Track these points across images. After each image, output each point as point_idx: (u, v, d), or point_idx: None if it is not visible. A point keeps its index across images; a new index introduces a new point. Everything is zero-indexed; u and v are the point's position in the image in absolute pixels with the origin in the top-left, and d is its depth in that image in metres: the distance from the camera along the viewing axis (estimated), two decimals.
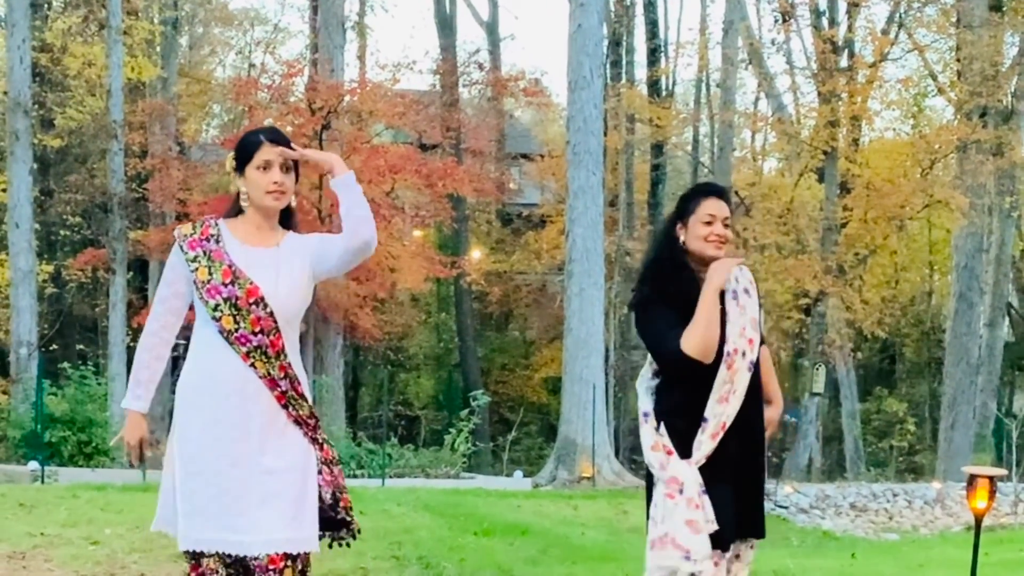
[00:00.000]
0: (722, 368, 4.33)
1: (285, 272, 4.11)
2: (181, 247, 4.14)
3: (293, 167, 4.18)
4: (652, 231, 28.33)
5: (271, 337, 4.05)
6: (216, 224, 4.15)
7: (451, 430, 22.04)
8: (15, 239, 22.10)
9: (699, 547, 4.25)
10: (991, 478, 6.23)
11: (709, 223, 4.41)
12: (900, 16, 29.27)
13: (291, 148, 4.16)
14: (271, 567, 4.00)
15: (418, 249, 25.72)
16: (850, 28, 28.17)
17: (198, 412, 4.06)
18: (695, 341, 4.25)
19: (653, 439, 4.38)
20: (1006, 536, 12.76)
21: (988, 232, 28.20)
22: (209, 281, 4.04)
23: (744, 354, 4.38)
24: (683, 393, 4.33)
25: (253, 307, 4.03)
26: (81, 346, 29.81)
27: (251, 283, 4.04)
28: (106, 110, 25.43)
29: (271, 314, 4.05)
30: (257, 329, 4.03)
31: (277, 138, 4.18)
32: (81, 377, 20.55)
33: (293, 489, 4.05)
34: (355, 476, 18.26)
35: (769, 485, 18.03)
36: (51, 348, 27.81)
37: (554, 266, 31.93)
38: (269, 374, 4.05)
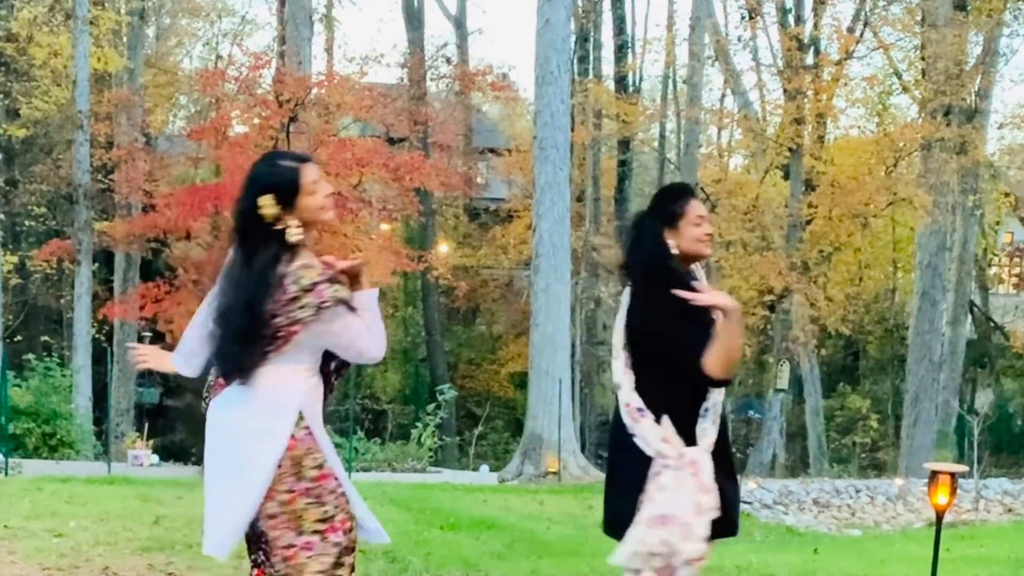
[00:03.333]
0: None
1: None
2: None
3: None
4: (620, 228, 28.37)
5: None
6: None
7: (418, 424, 22.03)
8: None
9: (705, 530, 4.29)
10: (952, 475, 6.31)
11: (699, 224, 4.49)
12: (866, 14, 29.47)
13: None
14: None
15: (385, 243, 25.58)
16: (816, 26, 28.32)
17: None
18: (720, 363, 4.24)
19: (662, 432, 4.36)
20: (967, 532, 12.88)
21: (951, 230, 28.42)
22: None
23: None
24: (685, 384, 4.34)
25: None
26: (46, 337, 29.62)
27: None
28: (72, 100, 25.29)
29: None
30: None
31: (305, 156, 4.00)
32: (46, 369, 20.46)
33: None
34: None
35: None
36: (16, 339, 27.64)
37: (521, 261, 31.94)
38: None
